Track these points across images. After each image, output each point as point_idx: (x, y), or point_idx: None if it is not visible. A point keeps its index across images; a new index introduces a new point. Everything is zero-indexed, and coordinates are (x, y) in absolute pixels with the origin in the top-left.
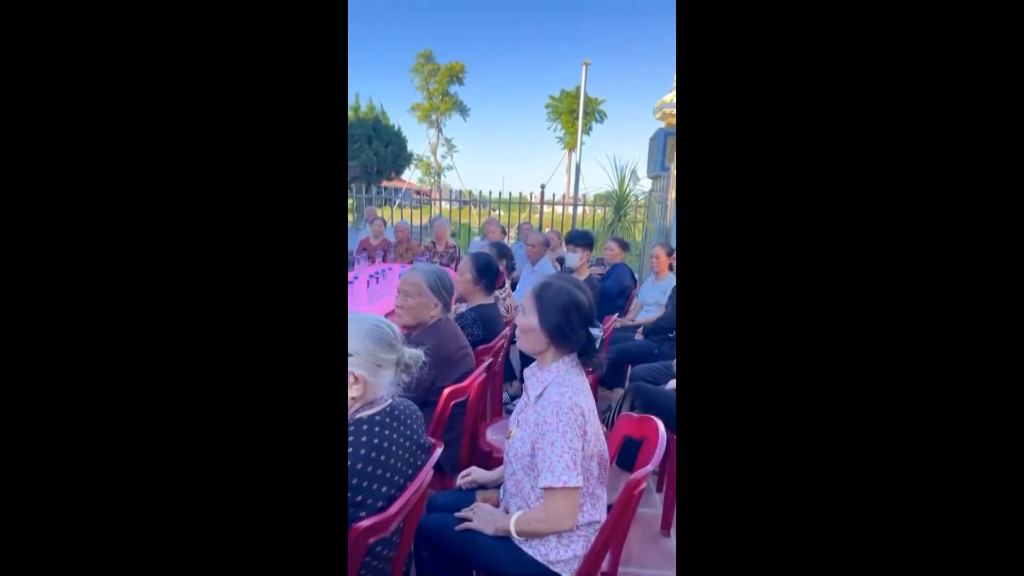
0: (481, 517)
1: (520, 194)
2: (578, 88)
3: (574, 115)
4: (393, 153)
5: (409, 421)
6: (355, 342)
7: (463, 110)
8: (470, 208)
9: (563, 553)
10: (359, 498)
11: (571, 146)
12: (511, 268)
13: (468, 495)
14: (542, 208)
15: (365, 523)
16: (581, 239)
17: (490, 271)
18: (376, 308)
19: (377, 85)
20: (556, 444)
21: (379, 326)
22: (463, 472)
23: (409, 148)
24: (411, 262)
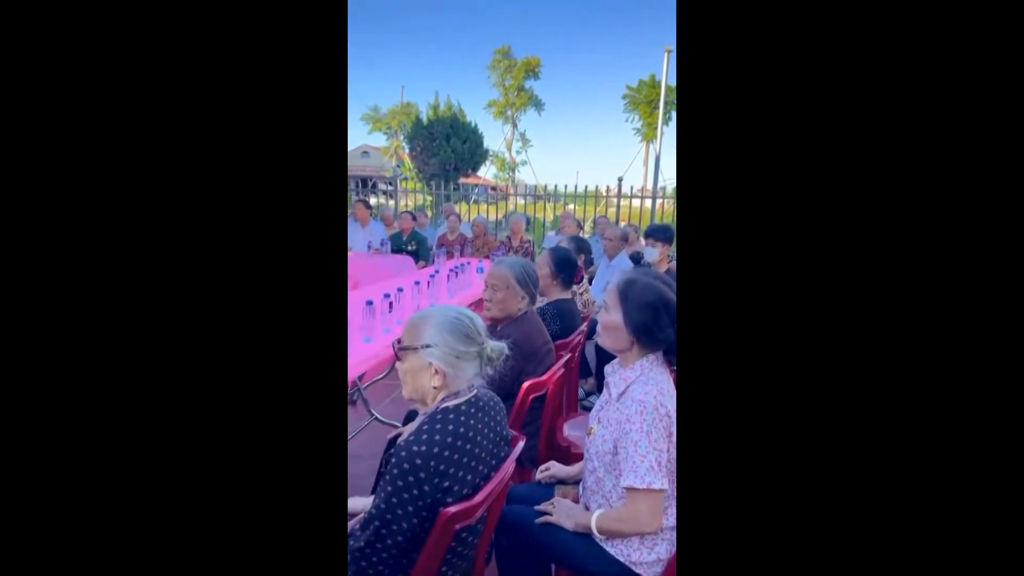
0: (562, 512)
1: (596, 188)
2: (656, 76)
3: (653, 105)
4: (470, 150)
5: (492, 412)
6: (434, 333)
7: (538, 104)
8: (544, 203)
9: (646, 555)
10: (445, 484)
11: (649, 137)
12: (589, 263)
13: (547, 489)
14: (619, 201)
15: (452, 509)
16: (660, 233)
17: (568, 265)
18: (456, 301)
19: (455, 84)
20: (640, 444)
21: (459, 319)
22: (542, 466)
23: (485, 144)
24: (488, 256)
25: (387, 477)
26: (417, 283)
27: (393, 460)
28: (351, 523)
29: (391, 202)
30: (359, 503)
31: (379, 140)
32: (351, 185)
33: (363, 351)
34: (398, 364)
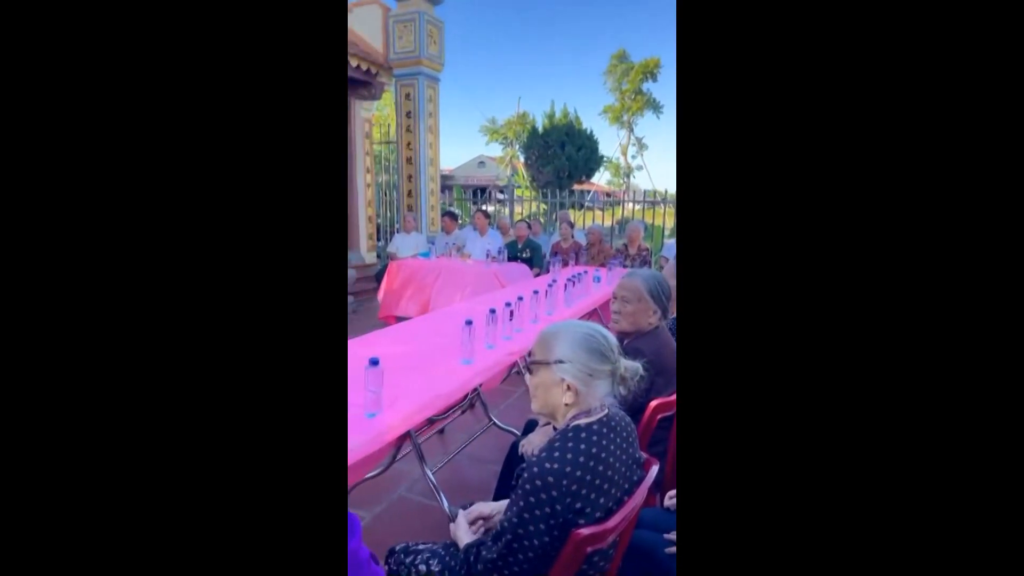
0: None
1: None
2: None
3: None
4: (585, 157)
5: (625, 433)
6: (567, 349)
7: (656, 107)
8: (663, 208)
9: None
10: (578, 505)
11: None
12: None
13: (674, 515)
14: None
15: (584, 532)
16: None
17: None
18: (572, 311)
19: (572, 91)
20: None
21: (592, 335)
22: (670, 492)
23: (600, 150)
24: (603, 265)
25: (519, 491)
26: (536, 292)
27: (525, 475)
28: (477, 524)
29: (505, 210)
30: (485, 508)
31: (495, 150)
32: (467, 195)
33: (487, 357)
34: (528, 377)
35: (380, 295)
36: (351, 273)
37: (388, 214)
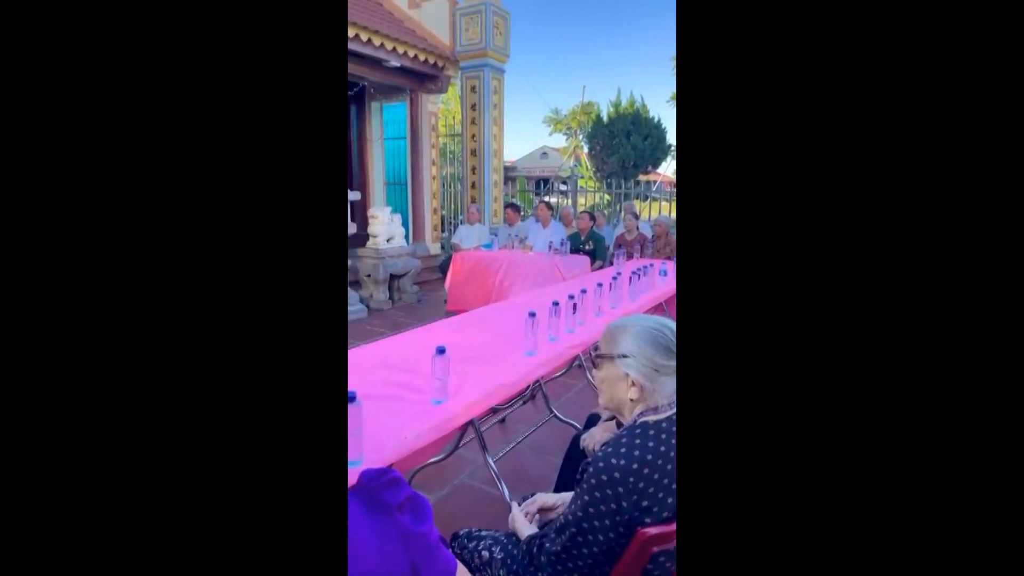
0: None
1: None
2: None
3: None
4: (651, 146)
5: None
6: (631, 344)
7: None
8: None
9: None
10: (644, 503)
11: None
12: None
13: None
14: None
15: (650, 531)
16: None
17: None
18: (636, 306)
19: (638, 78)
20: None
21: (659, 330)
22: None
23: (668, 139)
24: (670, 258)
25: (584, 486)
26: (600, 285)
27: (591, 469)
28: (539, 516)
29: (567, 201)
30: (548, 499)
31: (558, 141)
32: (529, 186)
33: (549, 349)
34: (595, 371)
35: (447, 286)
36: (416, 263)
37: (452, 206)
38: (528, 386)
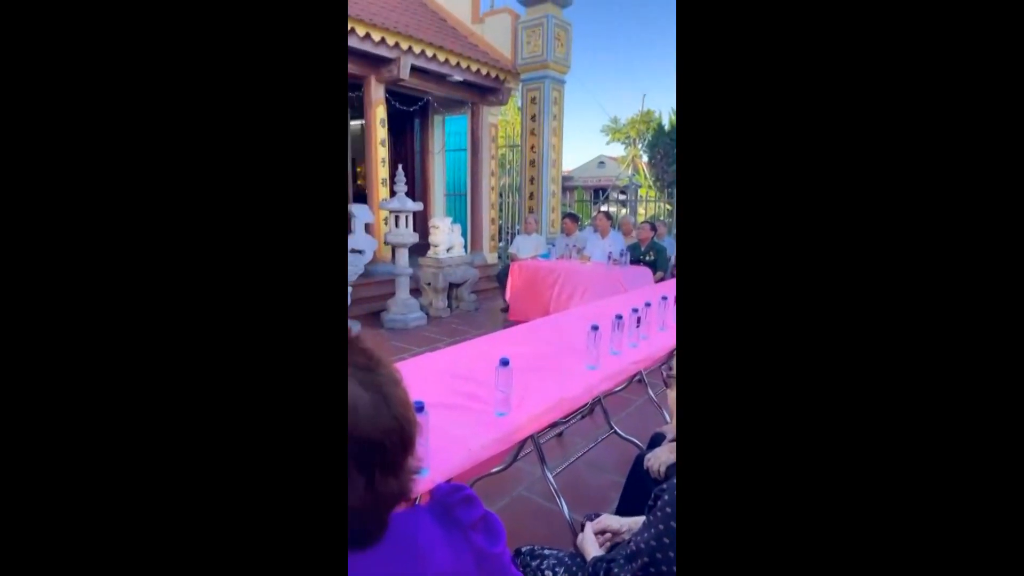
0: None
1: None
2: None
3: None
4: None
5: None
6: None
7: None
8: None
9: None
10: None
11: None
12: None
13: None
14: None
15: None
16: None
17: None
18: None
19: None
20: None
21: None
22: None
23: None
24: None
25: (659, 514)
26: (664, 298)
27: (666, 497)
28: (604, 537)
29: (624, 211)
30: (614, 522)
31: (616, 150)
32: (588, 196)
33: (611, 364)
34: (668, 392)
35: (507, 296)
36: (474, 272)
37: (509, 215)
38: (588, 400)
